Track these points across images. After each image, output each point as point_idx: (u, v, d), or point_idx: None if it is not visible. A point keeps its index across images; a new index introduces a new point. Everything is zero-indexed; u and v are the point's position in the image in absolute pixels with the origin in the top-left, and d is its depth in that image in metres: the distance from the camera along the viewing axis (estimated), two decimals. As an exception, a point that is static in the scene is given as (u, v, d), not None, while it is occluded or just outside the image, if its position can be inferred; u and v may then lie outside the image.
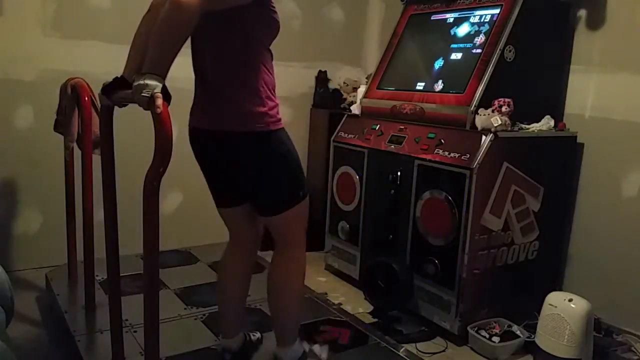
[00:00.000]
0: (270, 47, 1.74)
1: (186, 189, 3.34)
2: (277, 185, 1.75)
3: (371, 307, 2.71)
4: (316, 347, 2.00)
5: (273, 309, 1.89)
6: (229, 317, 1.99)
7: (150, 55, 1.41)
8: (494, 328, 2.38)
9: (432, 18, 2.93)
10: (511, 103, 2.36)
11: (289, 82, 3.64)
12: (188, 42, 1.67)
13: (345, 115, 3.17)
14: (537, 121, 2.55)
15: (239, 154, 1.70)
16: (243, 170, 1.74)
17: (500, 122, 2.31)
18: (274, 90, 1.72)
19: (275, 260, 1.85)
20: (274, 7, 1.67)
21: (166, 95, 1.37)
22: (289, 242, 1.83)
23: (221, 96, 1.67)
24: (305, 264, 1.86)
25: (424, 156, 2.51)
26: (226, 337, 2.00)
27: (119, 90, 1.63)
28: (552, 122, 2.57)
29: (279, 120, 1.71)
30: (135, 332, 2.10)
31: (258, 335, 2.15)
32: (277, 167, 1.72)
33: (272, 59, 1.73)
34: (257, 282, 2.10)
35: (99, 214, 2.10)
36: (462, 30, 2.72)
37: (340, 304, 2.72)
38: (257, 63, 1.67)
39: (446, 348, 2.38)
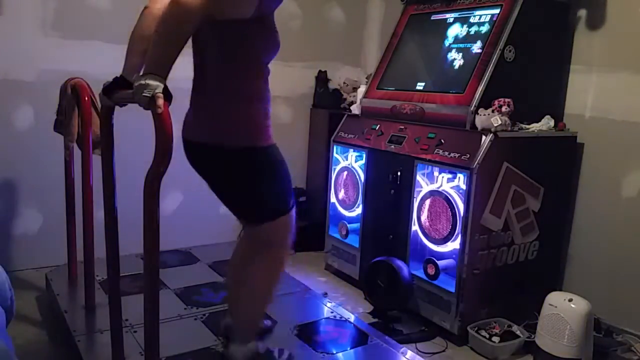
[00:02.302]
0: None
1: (186, 189, 3.34)
2: (261, 199, 1.72)
3: (371, 307, 2.71)
4: (276, 350, 1.99)
5: (237, 305, 1.87)
6: (234, 296, 1.99)
7: (151, 55, 1.42)
8: (494, 328, 2.38)
9: (432, 18, 2.93)
10: (511, 103, 2.36)
11: (289, 82, 3.64)
12: (190, 42, 1.67)
13: (345, 115, 3.17)
14: (537, 121, 2.55)
15: (224, 167, 1.69)
16: (230, 182, 1.72)
17: (500, 122, 2.31)
18: (269, 107, 1.71)
19: (253, 261, 1.81)
20: (274, 26, 1.67)
21: (167, 96, 1.38)
22: (267, 250, 1.80)
23: (212, 110, 1.66)
24: (279, 271, 1.83)
25: (424, 156, 2.51)
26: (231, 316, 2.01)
27: (119, 90, 1.63)
28: (552, 122, 2.57)
29: (270, 136, 1.69)
30: (135, 332, 2.10)
31: (269, 322, 2.17)
32: (262, 182, 1.70)
33: (269, 75, 1.71)
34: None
35: (99, 214, 2.09)
36: (462, 30, 2.72)
37: (340, 304, 2.72)
38: (251, 80, 1.66)
39: (446, 348, 2.38)
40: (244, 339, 1.86)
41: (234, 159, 1.66)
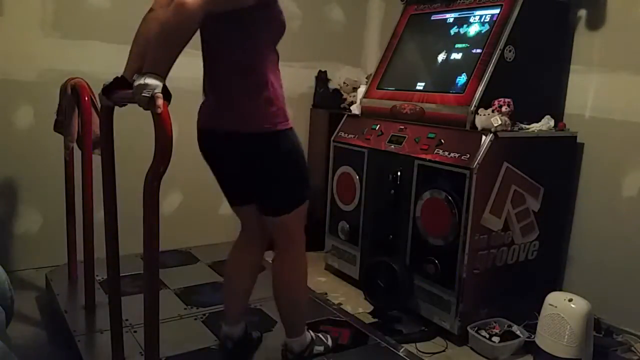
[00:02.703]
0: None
1: (186, 189, 3.34)
2: (285, 186, 1.78)
3: (371, 307, 2.71)
4: (320, 335, 2.09)
5: (281, 305, 1.93)
6: (234, 304, 2.04)
7: (152, 55, 1.42)
8: (494, 328, 2.38)
9: (432, 18, 2.93)
10: (511, 103, 2.36)
11: (289, 82, 3.56)
12: (190, 43, 1.67)
13: (345, 115, 3.17)
14: (537, 121, 2.55)
15: (248, 154, 1.72)
16: (252, 170, 1.75)
17: (500, 122, 2.31)
18: (282, 90, 1.74)
19: (279, 260, 1.89)
20: (279, 7, 1.69)
21: (167, 95, 1.38)
22: (292, 241, 1.86)
23: (230, 97, 1.69)
24: (306, 260, 1.92)
25: (424, 156, 2.51)
26: (228, 324, 2.03)
27: (119, 90, 1.63)
28: (552, 122, 2.57)
29: (287, 120, 1.73)
30: (135, 332, 2.10)
31: (258, 334, 2.18)
32: (285, 167, 1.75)
33: (278, 60, 1.75)
34: (258, 282, 2.10)
35: (99, 214, 2.10)
36: (462, 30, 2.72)
37: (340, 304, 2.72)
38: (264, 64, 1.68)
39: (446, 348, 2.38)
40: (297, 331, 1.96)
41: (260, 144, 1.69)
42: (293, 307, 1.94)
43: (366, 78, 3.42)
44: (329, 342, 2.09)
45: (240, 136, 1.69)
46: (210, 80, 1.74)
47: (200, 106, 1.79)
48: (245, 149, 1.71)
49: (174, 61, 1.42)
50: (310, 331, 2.05)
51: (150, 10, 1.68)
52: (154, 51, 1.42)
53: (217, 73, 1.71)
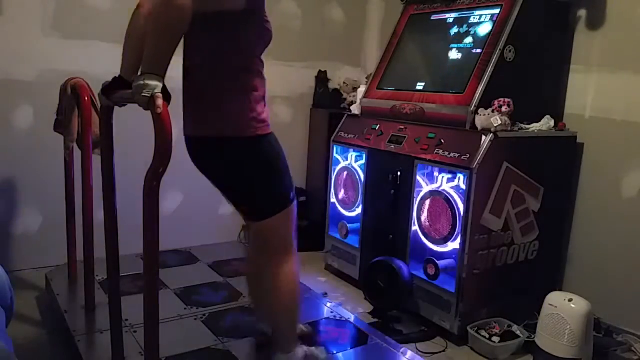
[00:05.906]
0: (271, 48, 1.74)
1: (186, 189, 3.34)
2: (266, 191, 1.73)
3: (371, 307, 2.71)
4: (313, 350, 1.99)
5: (267, 317, 1.87)
6: (256, 304, 2.04)
7: (147, 55, 1.41)
8: (494, 328, 2.38)
9: (432, 18, 2.93)
10: (511, 103, 2.36)
11: (289, 82, 3.64)
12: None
13: (345, 115, 3.17)
14: (537, 121, 2.55)
15: (228, 159, 1.69)
16: (232, 175, 1.72)
17: (500, 122, 2.31)
18: (264, 96, 1.70)
19: (263, 268, 1.80)
20: (267, 17, 1.67)
21: (166, 95, 1.38)
22: (275, 248, 1.77)
23: (209, 101, 1.66)
24: (294, 269, 1.79)
25: (424, 156, 2.51)
26: (259, 320, 2.09)
27: (118, 90, 1.63)
28: (552, 122, 2.57)
29: (267, 125, 1.69)
30: (135, 332, 2.09)
31: (308, 328, 2.19)
32: (265, 172, 1.71)
33: (263, 67, 1.71)
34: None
35: (99, 214, 2.09)
36: (462, 30, 2.72)
37: (340, 304, 2.72)
38: (246, 70, 1.65)
39: (446, 348, 2.38)
40: (285, 347, 1.85)
41: (238, 150, 1.66)
42: (278, 316, 1.83)
43: (366, 78, 3.42)
44: (322, 357, 2.00)
45: (220, 141, 1.66)
46: (190, 84, 1.71)
47: (183, 112, 1.75)
48: (226, 154, 1.68)
49: (170, 59, 1.41)
50: (304, 346, 1.94)
51: (138, 6, 1.66)
52: (149, 51, 1.41)
53: (198, 78, 1.68)
